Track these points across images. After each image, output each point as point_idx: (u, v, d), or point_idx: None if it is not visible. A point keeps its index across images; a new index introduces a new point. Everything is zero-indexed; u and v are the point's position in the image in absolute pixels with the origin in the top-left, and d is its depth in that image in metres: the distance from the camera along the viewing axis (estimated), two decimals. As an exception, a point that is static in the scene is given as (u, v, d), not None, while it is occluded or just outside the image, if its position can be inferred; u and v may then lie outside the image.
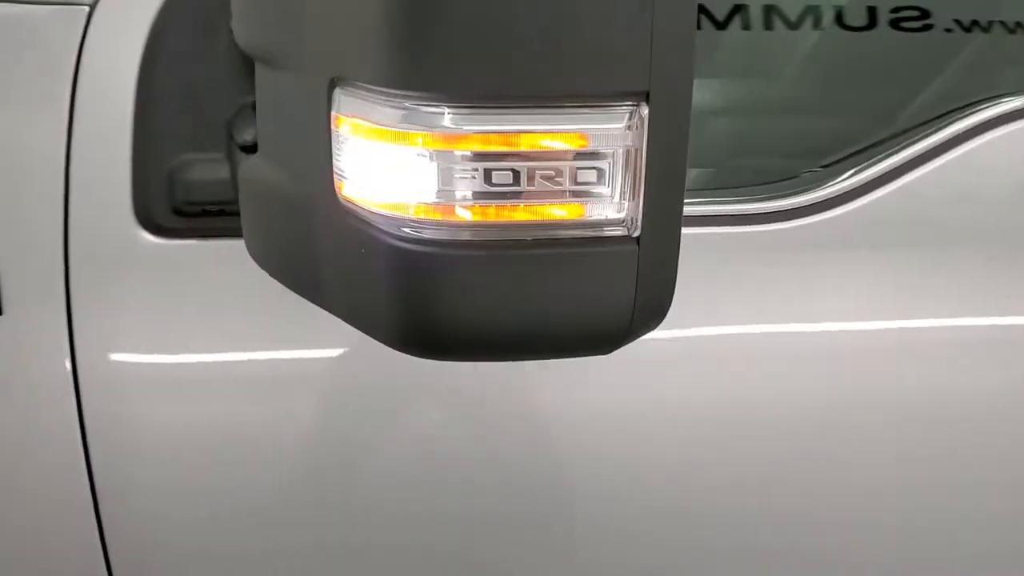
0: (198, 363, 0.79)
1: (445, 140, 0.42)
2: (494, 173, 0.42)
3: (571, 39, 0.40)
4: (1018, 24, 0.96)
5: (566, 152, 0.42)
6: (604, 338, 0.45)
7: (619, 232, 0.44)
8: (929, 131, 0.77)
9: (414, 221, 0.43)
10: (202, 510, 0.77)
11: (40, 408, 0.75)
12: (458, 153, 0.42)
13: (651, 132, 0.42)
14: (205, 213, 0.78)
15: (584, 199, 0.43)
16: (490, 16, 0.40)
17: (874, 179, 0.75)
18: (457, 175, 0.42)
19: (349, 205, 0.47)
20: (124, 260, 0.78)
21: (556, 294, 0.44)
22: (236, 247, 0.76)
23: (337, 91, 0.46)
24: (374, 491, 0.76)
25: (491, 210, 0.42)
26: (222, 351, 0.78)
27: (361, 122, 0.44)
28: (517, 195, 0.42)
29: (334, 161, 0.47)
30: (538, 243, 0.43)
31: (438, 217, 0.42)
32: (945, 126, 0.77)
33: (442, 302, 0.44)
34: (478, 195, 0.42)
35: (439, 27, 0.40)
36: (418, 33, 0.41)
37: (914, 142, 0.78)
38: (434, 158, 0.42)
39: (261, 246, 0.61)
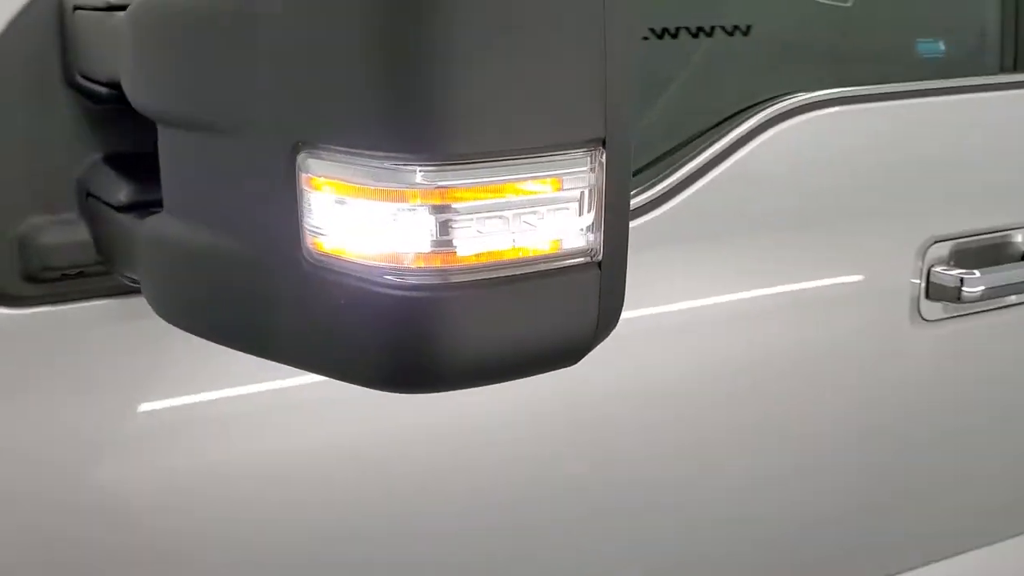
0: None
1: (438, 195, 0.46)
2: (486, 221, 0.47)
3: (544, 98, 0.46)
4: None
5: (545, 196, 0.48)
6: (574, 351, 0.52)
7: (584, 260, 0.50)
8: (724, 130, 0.90)
9: (405, 270, 0.47)
10: None
11: None
12: (453, 206, 0.46)
13: (608, 171, 0.49)
14: (64, 277, 0.76)
15: (559, 235, 0.49)
16: (470, 82, 0.45)
17: (686, 178, 0.87)
18: (453, 225, 0.47)
19: (323, 260, 0.50)
20: None
21: (535, 319, 0.50)
22: (102, 307, 0.75)
23: (303, 155, 0.48)
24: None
25: (483, 254, 0.47)
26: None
27: (340, 182, 0.48)
28: (505, 237, 0.47)
29: (304, 220, 0.49)
30: (521, 276, 0.49)
31: (437, 264, 0.47)
32: (735, 126, 0.91)
33: (435, 340, 0.48)
34: (471, 241, 0.47)
35: (423, 93, 0.45)
36: (403, 100, 0.45)
37: (710, 144, 0.91)
38: (430, 212, 0.46)
39: (173, 303, 0.62)
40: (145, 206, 0.71)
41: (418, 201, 0.47)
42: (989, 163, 1.18)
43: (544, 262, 0.49)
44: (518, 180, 0.47)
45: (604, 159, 0.48)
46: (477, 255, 0.48)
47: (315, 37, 0.47)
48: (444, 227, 0.47)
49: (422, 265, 0.48)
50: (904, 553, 1.29)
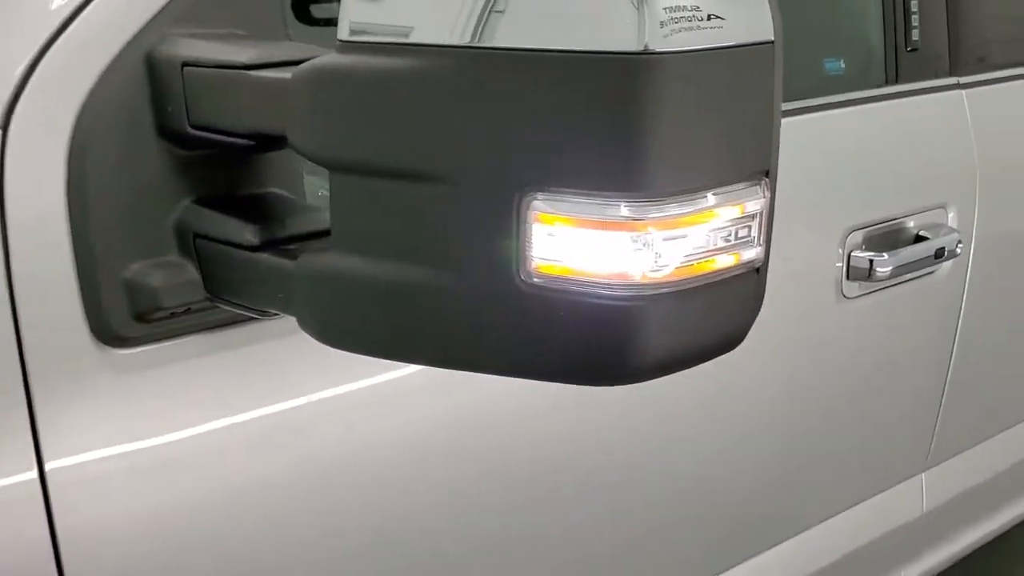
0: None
1: (657, 225, 0.57)
2: (689, 242, 0.59)
3: (731, 145, 0.59)
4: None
5: (733, 219, 0.60)
6: (736, 340, 0.65)
7: (752, 268, 0.63)
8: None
9: (622, 284, 0.58)
10: None
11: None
12: (663, 232, 0.58)
13: (770, 194, 0.62)
14: (173, 315, 0.81)
15: (741, 249, 0.61)
16: (681, 138, 0.57)
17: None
18: (670, 249, 0.58)
19: (543, 280, 0.60)
20: (85, 374, 0.79)
21: (715, 317, 0.62)
22: (210, 339, 0.82)
23: (528, 197, 0.58)
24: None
25: (692, 267, 0.59)
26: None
27: (565, 216, 0.58)
28: (708, 255, 0.59)
29: (526, 250, 0.59)
30: (713, 285, 0.61)
31: (649, 279, 0.58)
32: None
33: (646, 340, 0.60)
34: (683, 260, 0.59)
35: (639, 148, 0.56)
36: (624, 153, 0.56)
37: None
38: (645, 238, 0.58)
39: (342, 327, 0.70)
40: (274, 244, 0.78)
41: (636, 230, 0.58)
42: (886, 162, 1.39)
43: (728, 272, 0.61)
44: (714, 207, 0.59)
45: (768, 184, 0.61)
46: (682, 269, 0.59)
47: (546, 103, 0.57)
48: (655, 250, 0.58)
49: (638, 280, 0.59)
50: (822, 507, 1.49)
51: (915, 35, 1.43)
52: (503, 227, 0.60)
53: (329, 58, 0.65)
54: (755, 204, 0.61)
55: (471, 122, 0.59)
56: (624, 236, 0.58)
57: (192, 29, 0.81)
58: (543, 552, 1.11)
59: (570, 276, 0.59)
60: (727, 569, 1.36)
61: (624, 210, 0.57)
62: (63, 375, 0.78)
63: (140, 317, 0.80)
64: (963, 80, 1.49)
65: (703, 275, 0.60)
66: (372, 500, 0.94)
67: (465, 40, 0.59)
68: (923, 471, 1.63)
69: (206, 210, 0.81)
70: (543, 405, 1.03)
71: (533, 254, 0.60)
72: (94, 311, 0.78)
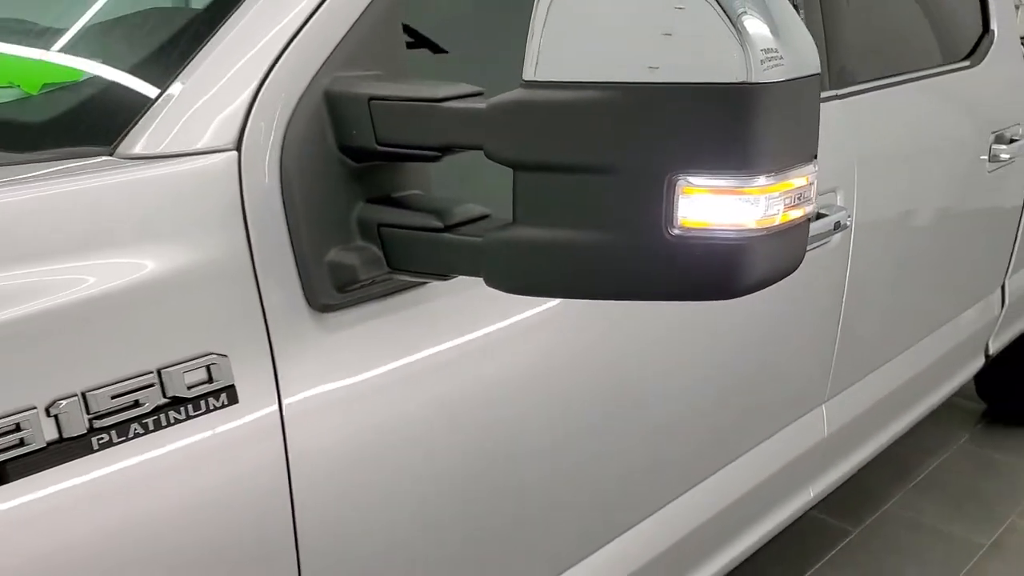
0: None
1: (763, 190, 0.91)
2: (784, 201, 0.92)
3: (801, 137, 0.93)
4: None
5: (800, 187, 0.94)
6: (795, 269, 0.99)
7: (807, 219, 0.97)
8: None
9: (744, 229, 0.91)
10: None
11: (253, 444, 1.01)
12: (766, 196, 0.91)
13: (817, 169, 0.97)
14: (362, 286, 1.09)
15: (803, 206, 0.95)
16: (772, 137, 0.90)
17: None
18: (767, 206, 0.91)
19: (685, 232, 0.91)
20: (306, 334, 1.06)
21: (788, 252, 0.96)
22: (387, 302, 1.10)
23: (676, 177, 0.90)
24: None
25: (779, 218, 0.93)
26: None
27: (703, 188, 0.90)
28: (796, 205, 0.93)
29: (674, 212, 0.91)
30: (788, 230, 0.95)
31: (761, 225, 0.91)
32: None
33: (752, 268, 0.93)
34: (774, 213, 0.92)
35: (757, 145, 0.89)
36: (745, 148, 0.89)
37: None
38: (757, 201, 0.91)
39: (527, 280, 0.99)
40: (451, 228, 1.06)
41: (747, 194, 0.91)
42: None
43: (796, 221, 0.95)
44: (791, 179, 0.93)
45: (815, 164, 0.96)
46: (781, 218, 0.93)
47: (689, 117, 0.89)
48: (759, 207, 0.92)
49: (748, 227, 0.92)
50: (743, 440, 1.87)
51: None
52: (655, 198, 0.91)
53: (519, 92, 0.95)
54: (812, 176, 0.95)
55: (633, 132, 0.91)
56: (740, 198, 0.91)
57: (350, 72, 1.08)
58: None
59: (703, 227, 0.92)
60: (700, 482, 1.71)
61: (740, 182, 0.90)
62: (292, 335, 1.04)
63: (340, 289, 1.07)
64: (840, 92, 1.91)
65: (783, 224, 0.94)
66: (528, 404, 1.28)
67: (630, 78, 0.90)
68: (823, 403, 2.04)
69: (385, 207, 1.08)
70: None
71: (679, 214, 0.92)
72: (309, 287, 1.05)
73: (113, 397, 0.89)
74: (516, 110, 0.95)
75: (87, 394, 0.88)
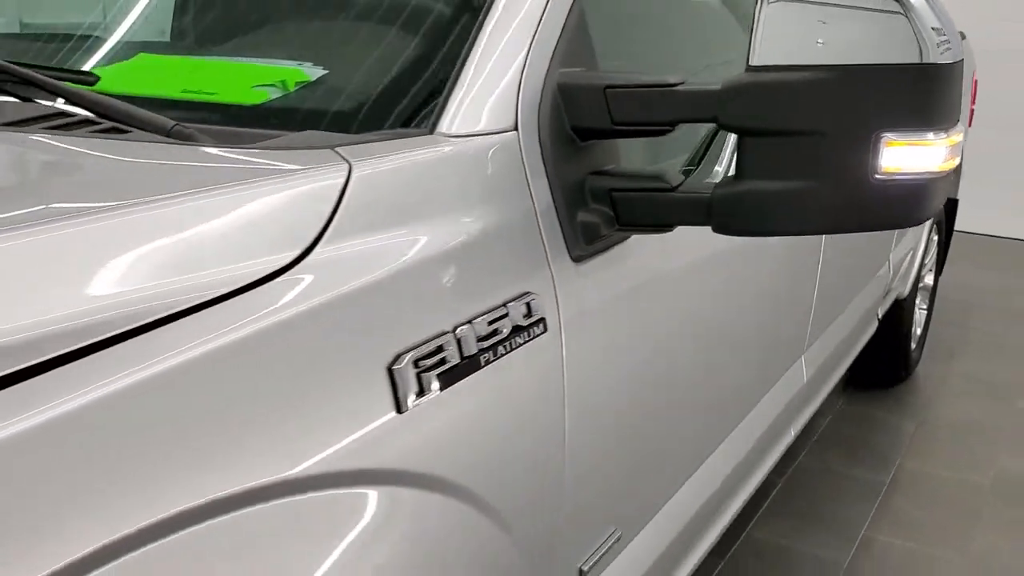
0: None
1: (942, 144, 1.22)
2: (950, 153, 1.25)
3: (958, 104, 1.26)
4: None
5: (957, 142, 1.27)
6: (945, 202, 1.32)
7: (957, 165, 1.30)
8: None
9: (928, 173, 1.23)
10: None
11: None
12: (944, 147, 1.23)
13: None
14: (600, 239, 1.35)
15: (957, 157, 1.28)
16: (951, 103, 1.23)
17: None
18: (944, 155, 1.23)
19: (886, 176, 1.22)
20: (570, 278, 1.31)
21: (948, 188, 1.29)
22: (611, 252, 1.37)
23: (882, 133, 1.21)
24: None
25: (949, 163, 1.25)
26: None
27: (903, 141, 1.21)
28: (950, 159, 1.26)
29: (878, 159, 1.21)
30: (950, 173, 1.27)
31: (947, 168, 1.23)
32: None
33: (933, 199, 1.24)
34: (948, 160, 1.24)
35: (941, 106, 1.21)
36: (941, 110, 1.21)
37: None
38: (940, 152, 1.22)
39: (749, 223, 1.27)
40: (674, 188, 1.32)
41: (935, 146, 1.22)
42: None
43: (952, 166, 1.28)
44: (954, 136, 1.25)
45: (962, 126, 1.29)
46: (948, 164, 1.25)
47: (892, 88, 1.20)
48: (941, 155, 1.23)
49: (934, 169, 1.23)
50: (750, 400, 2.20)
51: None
52: (863, 151, 1.21)
53: (746, 75, 1.22)
54: (962, 136, 1.29)
55: (845, 103, 1.20)
56: (929, 149, 1.22)
57: (565, 68, 1.33)
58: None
59: (900, 172, 1.23)
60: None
61: (931, 136, 1.22)
62: (562, 280, 1.27)
63: (588, 242, 1.31)
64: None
65: (950, 168, 1.26)
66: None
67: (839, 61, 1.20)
68: (803, 354, 2.41)
69: (609, 177, 1.33)
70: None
71: (882, 162, 1.22)
72: (570, 241, 1.28)
73: (489, 323, 1.10)
74: (746, 89, 1.22)
75: (474, 321, 1.08)
